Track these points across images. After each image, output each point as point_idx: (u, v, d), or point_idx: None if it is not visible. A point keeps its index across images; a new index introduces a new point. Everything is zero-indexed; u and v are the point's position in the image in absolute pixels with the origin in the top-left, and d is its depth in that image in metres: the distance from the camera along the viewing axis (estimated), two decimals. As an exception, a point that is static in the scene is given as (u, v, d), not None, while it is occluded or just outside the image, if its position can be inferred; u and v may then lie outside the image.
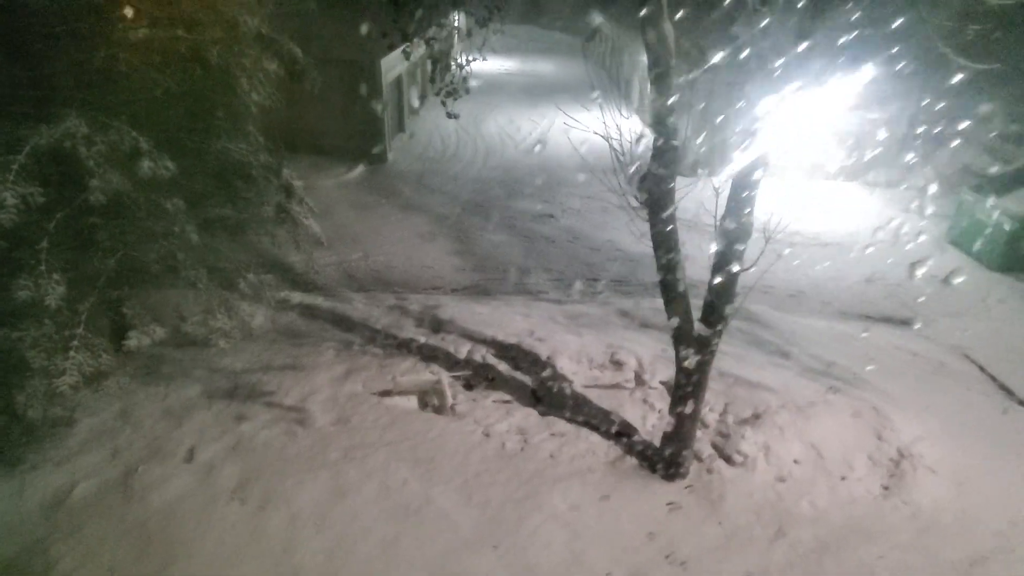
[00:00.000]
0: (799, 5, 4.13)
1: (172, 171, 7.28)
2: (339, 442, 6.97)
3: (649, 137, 5.46)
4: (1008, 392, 9.05)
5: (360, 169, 17.14)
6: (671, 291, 5.83)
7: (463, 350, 8.67)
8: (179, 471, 6.57)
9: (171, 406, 7.56)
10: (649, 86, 5.25)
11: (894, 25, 4.30)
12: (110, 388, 7.45)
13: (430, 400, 7.85)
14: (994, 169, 14.21)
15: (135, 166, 6.85)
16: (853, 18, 4.47)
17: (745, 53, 4.83)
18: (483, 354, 8.58)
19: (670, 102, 5.01)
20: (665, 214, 5.30)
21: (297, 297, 10.61)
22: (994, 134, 14.73)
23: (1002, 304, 11.30)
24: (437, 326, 9.41)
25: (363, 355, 8.66)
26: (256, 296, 9.23)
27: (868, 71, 6.16)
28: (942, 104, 12.34)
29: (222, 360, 8.51)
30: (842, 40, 5.67)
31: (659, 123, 5.10)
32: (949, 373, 9.42)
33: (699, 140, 15.38)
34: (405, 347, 8.82)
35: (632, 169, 5.18)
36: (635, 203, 5.46)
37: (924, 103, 11.86)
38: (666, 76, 4.78)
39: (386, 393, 7.86)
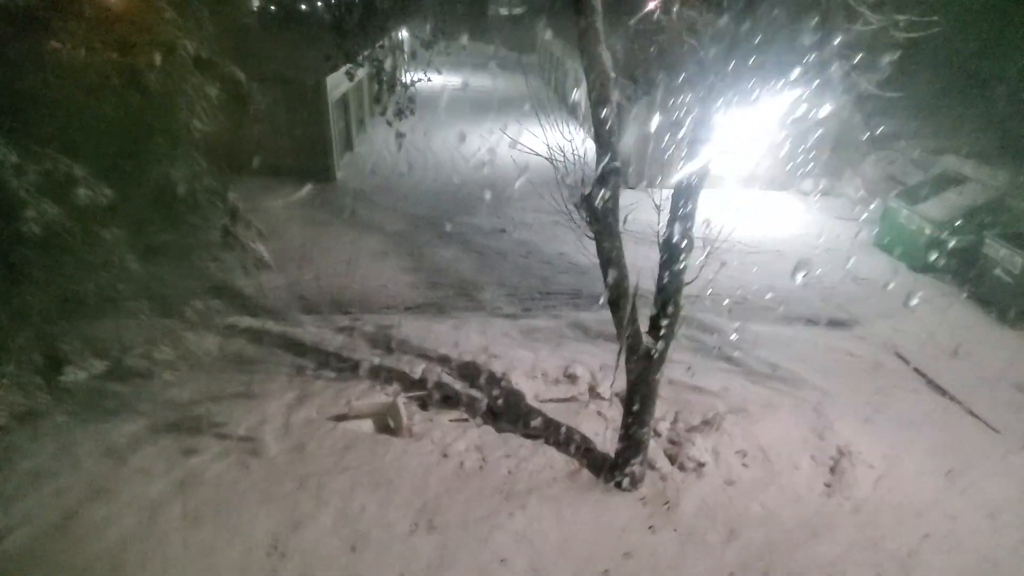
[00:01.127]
0: (720, 42, 4.39)
1: (110, 198, 7.07)
2: (294, 471, 6.84)
3: (593, 152, 5.65)
4: (937, 387, 9.64)
5: (308, 188, 16.89)
6: (619, 306, 6.01)
7: (418, 370, 8.65)
8: (124, 511, 6.32)
9: (114, 443, 7.26)
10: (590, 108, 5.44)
11: (810, 59, 4.63)
12: (46, 427, 7.13)
13: (386, 422, 7.80)
14: (913, 178, 15.18)
15: (71, 195, 6.63)
16: (772, 52, 4.77)
17: (679, 78, 5.08)
18: (439, 373, 8.59)
19: (608, 125, 5.20)
20: (610, 232, 5.49)
21: (246, 322, 10.38)
22: (916, 150, 15.75)
23: (926, 304, 12.04)
24: (392, 346, 9.36)
25: (316, 380, 8.54)
26: (203, 323, 9.01)
27: (795, 92, 6.50)
28: (865, 118, 13.15)
29: (167, 392, 8.24)
30: (766, 64, 6.02)
31: (600, 144, 5.29)
32: (884, 371, 9.97)
33: (642, 153, 15.85)
34: (360, 369, 8.74)
35: (577, 190, 5.34)
36: (581, 222, 5.63)
37: (848, 120, 12.59)
38: (604, 100, 4.98)
39: (341, 417, 7.78)
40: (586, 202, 5.28)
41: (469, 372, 8.62)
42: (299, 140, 16.87)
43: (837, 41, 4.30)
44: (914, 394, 9.50)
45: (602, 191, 5.21)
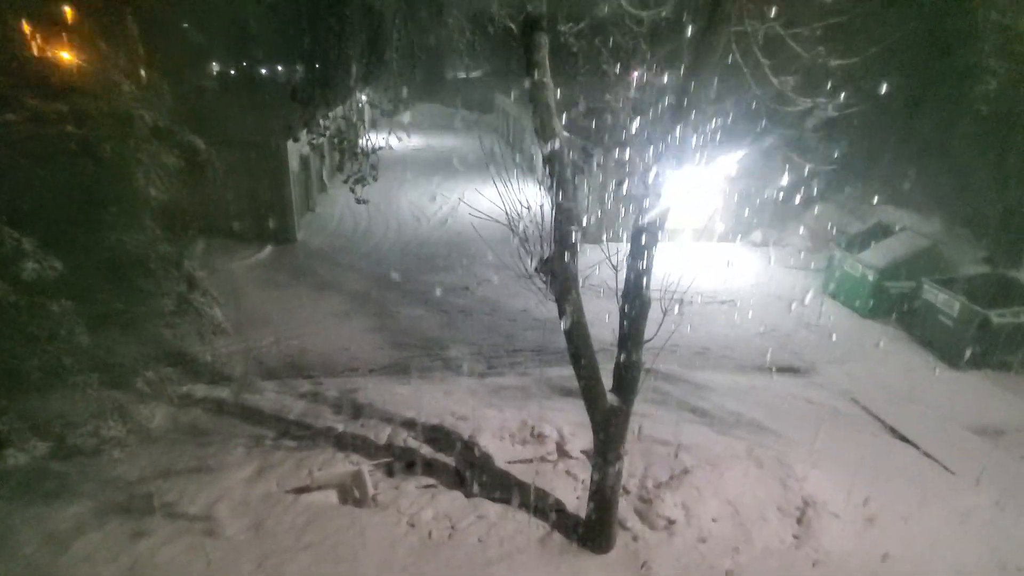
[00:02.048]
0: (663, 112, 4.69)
1: (59, 270, 6.88)
2: (252, 551, 6.50)
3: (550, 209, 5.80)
4: (892, 431, 9.92)
5: (269, 250, 16.75)
6: (581, 365, 6.07)
7: (383, 435, 8.46)
8: (64, 606, 5.87)
9: (55, 528, 6.79)
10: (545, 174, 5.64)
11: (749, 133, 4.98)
12: (-21, 515, 6.65)
13: (350, 493, 7.54)
14: (853, 228, 16.03)
15: (18, 269, 6.43)
16: (715, 122, 5.10)
17: (627, 149, 5.34)
18: (404, 438, 8.41)
19: (562, 188, 5.38)
20: (570, 295, 5.60)
21: (202, 391, 10.03)
22: (854, 202, 16.71)
23: (876, 349, 12.53)
24: (356, 411, 9.15)
25: (276, 450, 8.24)
26: (155, 394, 8.68)
27: (738, 153, 6.84)
28: (806, 175, 13.93)
29: (115, 469, 7.81)
30: (711, 129, 6.40)
31: (556, 207, 5.46)
32: (842, 417, 10.22)
33: (599, 208, 16.34)
34: (322, 437, 8.49)
35: (536, 255, 5.47)
36: (541, 286, 5.74)
37: (788, 178, 13.33)
38: (558, 162, 5.17)
39: (303, 490, 7.48)
40: (545, 267, 5.41)
41: (436, 435, 8.47)
42: (259, 202, 16.83)
43: (768, 119, 4.63)
44: (872, 438, 9.73)
45: (560, 255, 5.35)
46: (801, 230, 18.07)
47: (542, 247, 5.83)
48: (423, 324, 13.06)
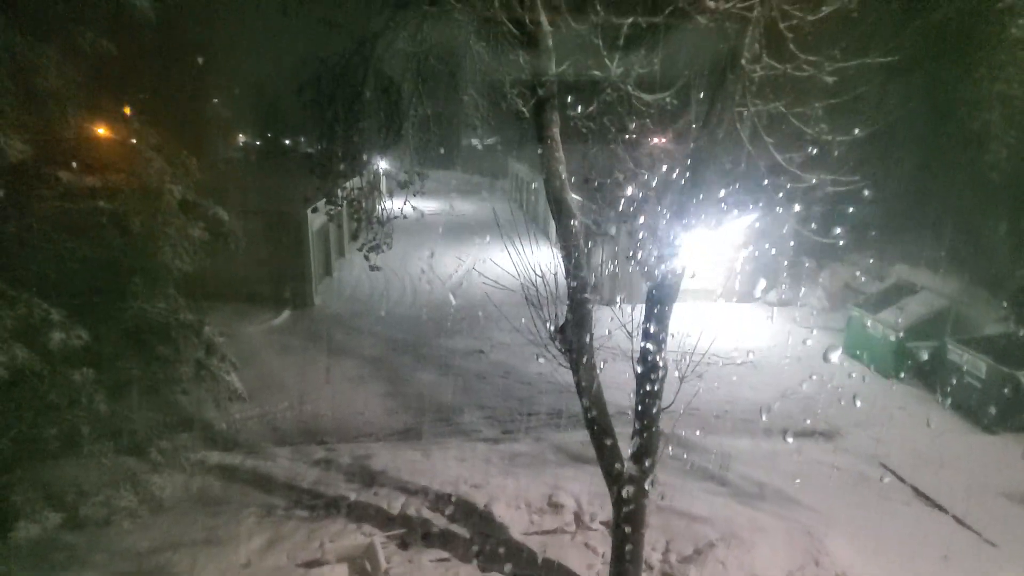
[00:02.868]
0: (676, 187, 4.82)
1: (85, 340, 7.02)
2: (260, 630, 6.29)
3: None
4: (927, 499, 9.51)
5: (286, 314, 16.98)
6: (597, 434, 5.98)
7: (397, 504, 8.28)
8: None
9: (62, 605, 6.65)
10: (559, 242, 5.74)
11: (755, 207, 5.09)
12: (-12, 591, 6.54)
13: (362, 567, 7.33)
14: (870, 287, 15.92)
15: (45, 338, 6.58)
16: (725, 191, 5.22)
17: (639, 222, 5.45)
18: (418, 507, 8.22)
19: (575, 256, 5.45)
20: (584, 362, 5.59)
21: (215, 457, 9.97)
22: (868, 260, 16.68)
23: (902, 410, 12.17)
24: (369, 479, 9.01)
25: (288, 520, 8.09)
26: (169, 462, 8.64)
27: (749, 218, 6.94)
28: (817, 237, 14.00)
29: (124, 540, 7.71)
30: (723, 195, 6.53)
31: (569, 274, 5.53)
32: (870, 484, 9.84)
33: (613, 270, 16.43)
34: (334, 507, 8.34)
35: (551, 323, 5.50)
36: (556, 353, 5.74)
37: (801, 243, 13.39)
38: (572, 239, 5.28)
39: (314, 563, 7.29)
40: (559, 335, 5.43)
41: (450, 504, 8.27)
42: (279, 268, 17.20)
43: (779, 194, 4.74)
44: (905, 507, 9.33)
45: (574, 324, 5.38)
46: (816, 289, 17.98)
47: (556, 314, 5.87)
48: (437, 389, 13.00)
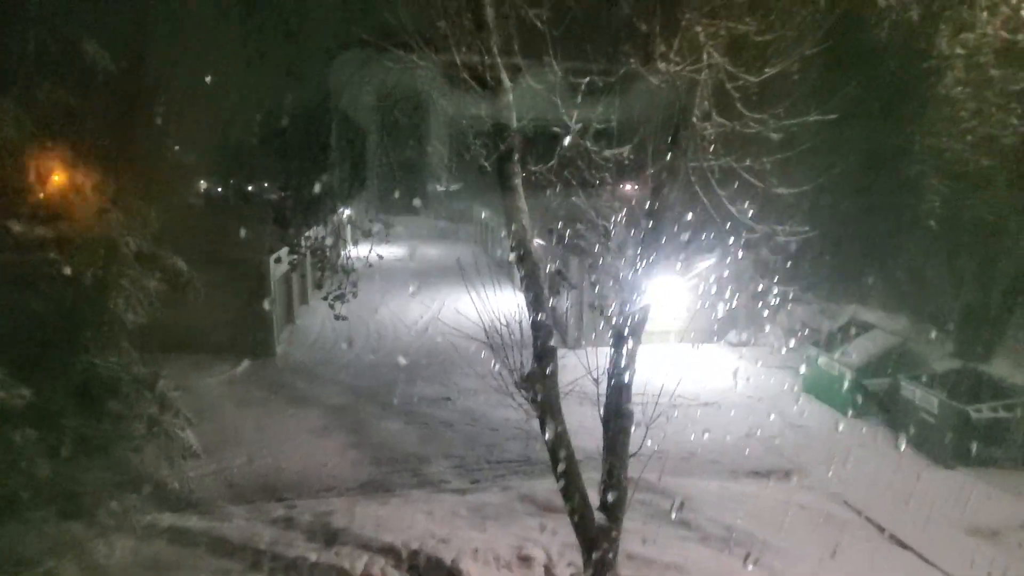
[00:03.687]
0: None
1: (27, 399, 6.70)
2: None
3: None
4: (890, 537, 9.63)
5: (246, 364, 16.51)
6: (565, 483, 5.93)
7: (359, 564, 7.96)
8: None
9: None
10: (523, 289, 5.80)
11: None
12: None
13: (323, 633, 6.97)
14: (825, 326, 16.45)
15: (-19, 399, 6.26)
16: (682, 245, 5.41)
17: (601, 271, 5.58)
18: (383, 566, 7.92)
19: (539, 305, 5.52)
20: (551, 410, 5.58)
21: (167, 520, 9.44)
22: (823, 301, 17.32)
23: (862, 447, 12.43)
24: (331, 537, 8.65)
25: (244, 585, 7.67)
26: (118, 525, 8.20)
27: (708, 262, 7.10)
28: (775, 279, 14.49)
29: (63, 616, 7.17)
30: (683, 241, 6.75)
31: (535, 327, 5.58)
32: (836, 523, 9.92)
33: (578, 314, 16.59)
34: (294, 568, 7.96)
35: (515, 370, 5.50)
36: (523, 401, 5.72)
37: (758, 285, 13.87)
38: (536, 287, 5.35)
39: (271, 631, 6.90)
40: (525, 383, 5.43)
41: (416, 562, 8.00)
42: (239, 316, 16.77)
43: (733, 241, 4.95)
44: (867, 543, 9.41)
45: (540, 372, 5.40)
46: (776, 330, 18.45)
47: (522, 362, 5.87)
48: (403, 438, 12.72)
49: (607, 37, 4.93)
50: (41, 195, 8.60)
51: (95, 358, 8.07)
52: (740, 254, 5.31)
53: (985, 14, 4.71)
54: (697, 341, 19.20)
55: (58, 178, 9.23)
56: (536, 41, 4.86)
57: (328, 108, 7.50)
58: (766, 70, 4.42)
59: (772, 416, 13.97)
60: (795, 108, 4.78)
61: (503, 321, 5.75)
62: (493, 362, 6.09)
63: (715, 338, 19.33)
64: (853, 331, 14.97)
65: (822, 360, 14.76)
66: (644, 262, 5.27)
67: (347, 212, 13.53)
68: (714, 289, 17.52)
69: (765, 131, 4.48)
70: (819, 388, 14.94)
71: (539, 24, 4.62)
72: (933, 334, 14.96)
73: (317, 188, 8.52)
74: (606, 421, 6.02)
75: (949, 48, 5.13)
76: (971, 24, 4.85)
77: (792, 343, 17.34)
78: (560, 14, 4.79)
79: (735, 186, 4.80)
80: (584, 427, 7.69)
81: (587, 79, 4.70)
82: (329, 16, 7.28)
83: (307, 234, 9.06)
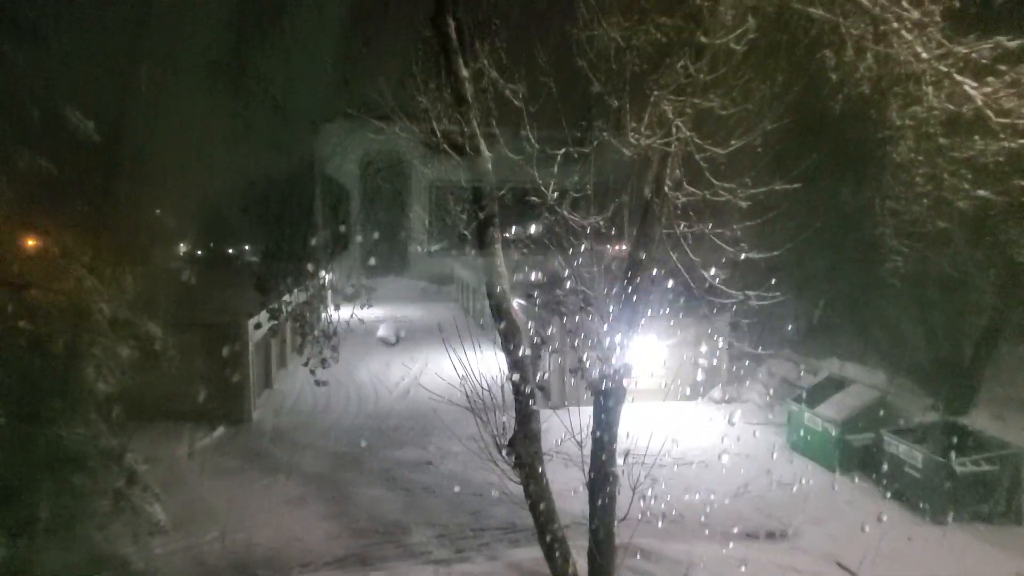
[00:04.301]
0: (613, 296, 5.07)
1: (-16, 476, 6.40)
2: None
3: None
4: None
5: (220, 432, 15.99)
6: (552, 552, 5.75)
7: (337, 647, 7.51)
8: None
9: None
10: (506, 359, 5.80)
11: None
12: None
13: None
14: (805, 381, 16.56)
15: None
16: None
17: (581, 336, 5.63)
18: (361, 650, 7.47)
19: (521, 368, 5.51)
20: (535, 475, 5.48)
21: (130, 604, 8.90)
22: (801, 356, 17.50)
23: (850, 504, 12.29)
24: (305, 618, 8.19)
25: (211, 675, 7.17)
26: (76, 613, 7.70)
27: (685, 323, 7.18)
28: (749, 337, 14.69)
29: None
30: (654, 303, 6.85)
31: (516, 390, 5.54)
32: (829, 586, 9.68)
33: (560, 374, 16.50)
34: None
35: (498, 435, 5.43)
36: (505, 467, 5.61)
37: (734, 342, 14.05)
38: (516, 351, 5.35)
39: None
40: (508, 449, 5.35)
41: (396, 643, 7.57)
42: (215, 381, 16.36)
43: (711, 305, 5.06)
44: (865, 609, 9.17)
45: (522, 437, 5.33)
46: (758, 386, 18.53)
47: (504, 426, 5.80)
48: (384, 506, 12.28)
49: (580, 111, 5.18)
50: (15, 262, 8.49)
51: (61, 430, 7.77)
52: (716, 316, 5.41)
53: (930, 88, 5.06)
54: (679, 399, 19.17)
55: (33, 244, 9.15)
56: (513, 113, 5.07)
57: (311, 175, 7.64)
58: (732, 142, 4.65)
59: (759, 474, 13.83)
60: (762, 175, 5.00)
61: (484, 384, 5.71)
62: (475, 425, 6.01)
63: (698, 396, 19.29)
64: (833, 386, 15.09)
65: (806, 416, 14.78)
66: (623, 324, 5.32)
67: (328, 276, 13.52)
68: (694, 348, 17.66)
69: (734, 199, 4.67)
70: (804, 444, 14.89)
71: (515, 101, 4.84)
72: (910, 388, 15.14)
73: (298, 253, 8.54)
74: (591, 484, 5.92)
75: (899, 119, 5.46)
76: (918, 98, 5.19)
77: (775, 399, 17.40)
78: (535, 89, 5.04)
79: (709, 250, 4.95)
80: (570, 490, 7.54)
81: (562, 150, 4.89)
82: (314, 89, 7.55)
83: (287, 298, 9.00)
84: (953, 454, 11.88)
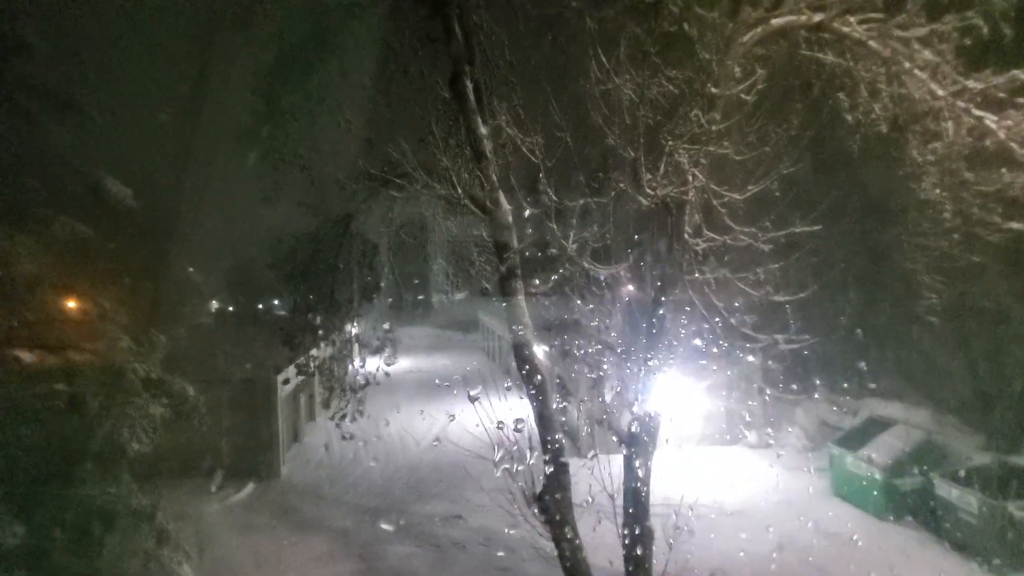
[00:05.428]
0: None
1: (20, 536, 6.46)
2: None
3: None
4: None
5: (250, 488, 15.95)
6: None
7: None
8: None
9: None
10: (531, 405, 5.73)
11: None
12: None
13: None
14: (845, 422, 15.94)
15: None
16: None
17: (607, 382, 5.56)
18: None
19: (550, 419, 5.43)
20: (566, 531, 5.31)
21: (157, 670, 8.72)
22: (837, 396, 16.94)
23: (904, 555, 11.59)
24: None
25: None
26: None
27: (714, 366, 7.06)
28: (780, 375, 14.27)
29: None
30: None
31: (544, 442, 5.44)
32: (886, 646, 9.05)
33: (590, 421, 16.19)
34: None
35: (527, 488, 5.31)
36: (535, 522, 5.47)
37: (765, 386, 13.69)
38: (545, 404, 5.29)
39: None
40: (537, 504, 5.22)
41: None
42: (245, 437, 16.47)
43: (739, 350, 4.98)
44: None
45: (551, 491, 5.20)
46: (796, 429, 17.88)
47: (533, 478, 5.68)
48: (413, 563, 11.99)
49: (597, 163, 5.27)
50: (54, 325, 8.78)
51: (93, 491, 7.84)
52: (747, 356, 5.32)
53: (950, 124, 5.03)
54: (716, 443, 18.59)
55: (72, 305, 9.47)
56: (532, 167, 5.17)
57: (337, 232, 7.85)
58: (749, 187, 4.66)
59: (801, 524, 13.17)
60: (784, 216, 4.98)
61: (511, 437, 5.63)
62: (504, 478, 5.89)
63: (734, 440, 18.69)
64: (876, 427, 14.48)
65: (849, 460, 14.15)
66: (648, 370, 5.24)
67: (354, 329, 13.69)
68: (727, 392, 17.22)
69: (755, 243, 4.64)
70: (848, 490, 14.20)
71: (533, 157, 4.95)
72: (957, 427, 14.45)
73: (325, 307, 8.69)
74: (625, 541, 5.70)
75: (921, 156, 5.43)
76: (938, 134, 5.17)
77: (814, 442, 16.74)
78: (552, 143, 5.15)
79: (735, 293, 4.89)
80: (605, 545, 7.27)
81: (580, 202, 4.96)
82: (339, 151, 7.86)
83: (314, 352, 9.10)
84: (1010, 498, 11.20)
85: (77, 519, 7.76)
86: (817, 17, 5.19)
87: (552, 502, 5.31)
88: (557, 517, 5.40)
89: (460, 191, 5.17)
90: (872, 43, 5.04)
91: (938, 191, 5.44)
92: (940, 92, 4.88)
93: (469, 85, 5.40)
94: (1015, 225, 5.62)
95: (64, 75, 9.79)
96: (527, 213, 5.27)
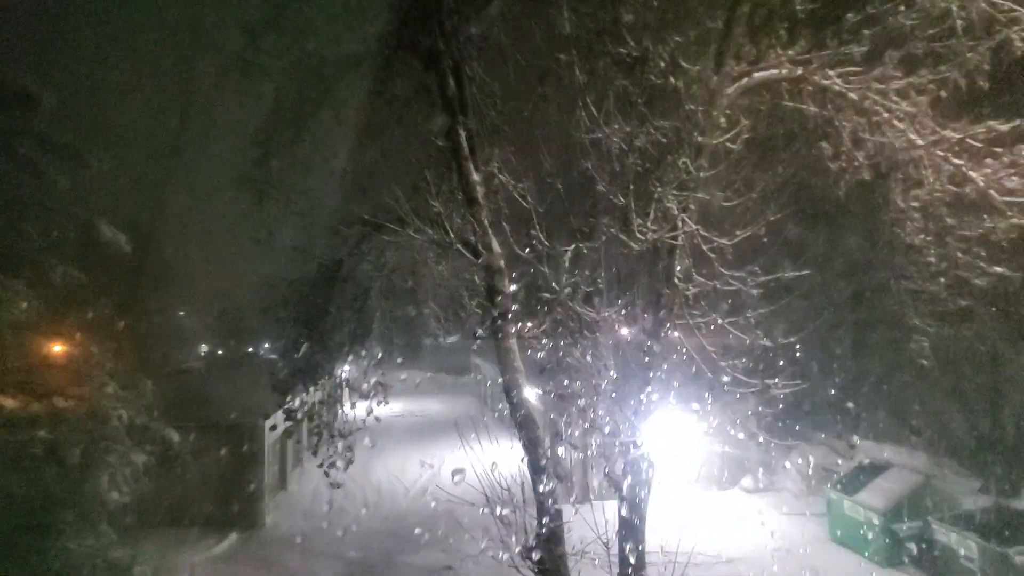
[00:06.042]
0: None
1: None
2: None
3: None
4: None
5: (233, 538, 15.41)
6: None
7: None
8: None
9: None
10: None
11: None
12: None
13: None
14: (840, 466, 15.78)
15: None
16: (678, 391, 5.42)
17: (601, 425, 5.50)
18: None
19: (539, 471, 5.34)
20: (561, 582, 5.16)
21: None
22: (832, 440, 16.82)
23: (906, 605, 11.32)
24: None
25: None
26: None
27: (706, 411, 7.04)
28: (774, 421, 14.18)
29: None
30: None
31: (537, 490, 5.34)
32: None
33: (583, 466, 15.94)
34: None
35: (519, 539, 5.18)
36: (529, 573, 5.31)
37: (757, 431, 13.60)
38: (537, 450, 5.21)
39: None
40: (529, 553, 5.08)
41: None
42: (228, 484, 16.03)
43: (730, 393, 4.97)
44: None
45: (545, 541, 5.07)
46: (792, 473, 17.67)
47: (526, 526, 5.54)
48: (401, 618, 11.54)
49: (588, 208, 5.36)
50: (39, 370, 8.63)
51: (70, 542, 7.57)
52: (740, 400, 5.31)
53: (929, 171, 5.19)
54: (711, 488, 18.30)
55: (59, 350, 9.32)
56: (523, 212, 5.24)
57: (329, 276, 7.85)
58: (737, 232, 4.75)
59: (802, 571, 12.86)
60: (772, 261, 5.05)
61: (503, 484, 5.52)
62: (495, 526, 5.75)
63: (729, 485, 18.41)
64: (872, 471, 14.34)
65: (846, 505, 13.95)
66: (640, 415, 5.20)
67: (344, 374, 13.55)
68: (721, 437, 17.05)
69: (744, 288, 4.70)
70: (846, 535, 13.95)
71: (524, 203, 5.04)
72: (954, 470, 14.34)
73: (315, 351, 8.60)
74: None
75: (904, 202, 5.57)
76: (919, 181, 5.32)
77: (810, 486, 16.51)
78: (543, 188, 5.25)
79: (726, 337, 4.92)
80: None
81: (572, 247, 5.02)
82: (332, 197, 7.97)
83: (303, 397, 8.96)
84: (1010, 544, 11.03)
85: (53, 571, 7.47)
86: (799, 71, 5.41)
87: (545, 551, 5.17)
88: (549, 567, 5.25)
89: (452, 235, 5.22)
90: (852, 95, 5.24)
91: (922, 236, 5.57)
92: (919, 142, 5.04)
93: (462, 133, 5.53)
94: (999, 269, 5.73)
95: (65, 124, 9.95)
96: (519, 257, 5.33)
